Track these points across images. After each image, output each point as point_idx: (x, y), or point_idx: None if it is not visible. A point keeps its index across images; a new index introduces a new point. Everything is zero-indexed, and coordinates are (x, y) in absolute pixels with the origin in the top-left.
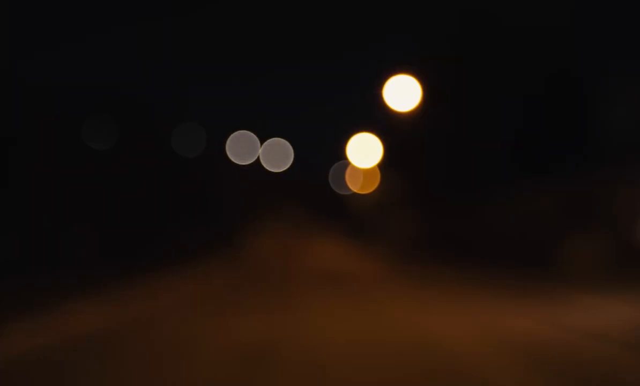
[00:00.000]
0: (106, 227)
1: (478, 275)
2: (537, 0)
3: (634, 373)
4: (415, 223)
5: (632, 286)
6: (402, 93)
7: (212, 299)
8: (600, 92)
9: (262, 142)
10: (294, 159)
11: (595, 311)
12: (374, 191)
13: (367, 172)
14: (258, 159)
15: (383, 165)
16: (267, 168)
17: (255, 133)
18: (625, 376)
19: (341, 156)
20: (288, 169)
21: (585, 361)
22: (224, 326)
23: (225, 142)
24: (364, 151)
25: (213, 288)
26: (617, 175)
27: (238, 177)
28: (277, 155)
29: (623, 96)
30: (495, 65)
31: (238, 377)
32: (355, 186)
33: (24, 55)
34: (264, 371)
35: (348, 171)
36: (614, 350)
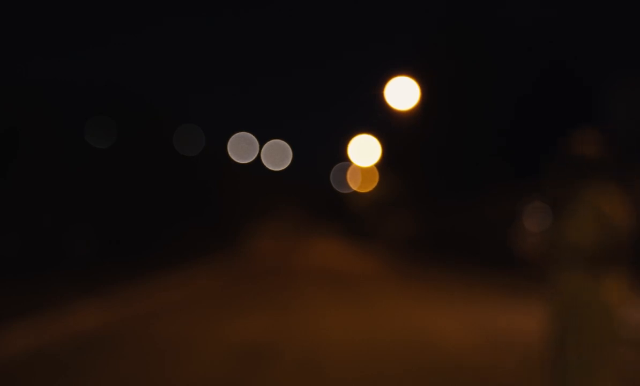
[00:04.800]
0: (108, 226)
1: (478, 275)
2: (538, 0)
3: (632, 368)
4: (414, 221)
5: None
6: (401, 93)
7: (213, 299)
8: (601, 92)
9: (263, 144)
10: (297, 159)
11: None
12: (373, 190)
13: (367, 172)
14: (259, 159)
15: (382, 165)
16: (268, 167)
17: (256, 135)
18: (627, 370)
19: (342, 156)
20: (290, 168)
21: None
22: (225, 326)
23: (226, 142)
24: (364, 151)
25: (214, 288)
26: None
27: (239, 177)
28: (276, 155)
29: (623, 95)
30: (494, 65)
31: (238, 375)
32: (355, 185)
33: (26, 55)
34: (263, 371)
35: (349, 171)
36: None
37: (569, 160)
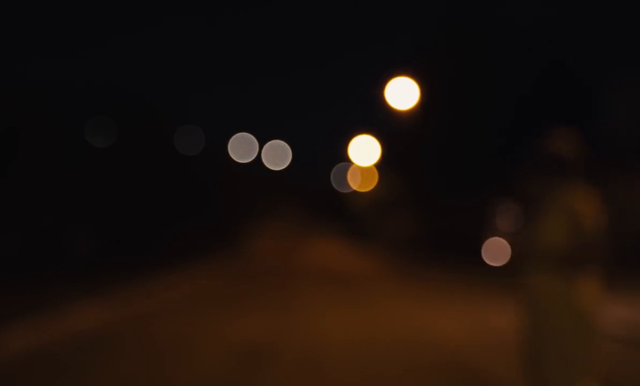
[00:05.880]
0: (108, 226)
1: (478, 275)
2: (538, 0)
3: (634, 367)
4: (414, 221)
5: (631, 287)
6: (401, 93)
7: (213, 299)
8: (601, 92)
9: (263, 144)
10: (296, 159)
11: None
12: (373, 190)
13: (367, 172)
14: (259, 159)
15: (382, 165)
16: (268, 167)
17: (256, 135)
18: (625, 369)
19: (342, 156)
20: (290, 168)
21: None
22: (225, 326)
23: (226, 142)
24: (364, 151)
25: (214, 288)
26: (618, 175)
27: (239, 177)
28: (276, 155)
29: (623, 95)
30: (494, 65)
31: (238, 375)
32: (355, 184)
33: (26, 55)
34: (262, 371)
35: (349, 171)
36: (615, 348)
37: (543, 159)
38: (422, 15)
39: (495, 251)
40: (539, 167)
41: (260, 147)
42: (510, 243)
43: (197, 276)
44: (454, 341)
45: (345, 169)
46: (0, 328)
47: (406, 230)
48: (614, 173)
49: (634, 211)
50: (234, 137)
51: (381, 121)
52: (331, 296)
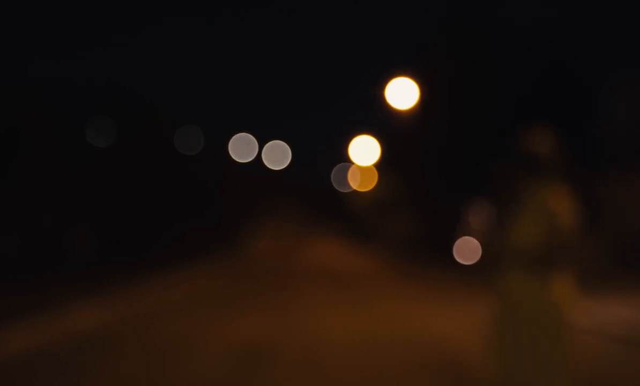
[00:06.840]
0: (108, 226)
1: (478, 275)
2: (538, 0)
3: (634, 367)
4: (414, 221)
5: (631, 287)
6: (401, 93)
7: (213, 299)
8: (601, 92)
9: (263, 144)
10: (296, 159)
11: (593, 311)
12: (373, 190)
13: (367, 172)
14: (259, 158)
15: (382, 165)
16: (268, 166)
17: (256, 135)
18: (626, 369)
19: (342, 157)
20: (290, 168)
21: (586, 357)
22: (225, 326)
23: (226, 142)
24: (365, 151)
25: (214, 288)
26: (618, 175)
27: (239, 177)
28: (276, 156)
29: (623, 95)
30: (494, 65)
31: (238, 375)
32: (355, 184)
33: (26, 55)
34: (262, 371)
35: (350, 171)
36: (615, 348)
37: (519, 158)
38: (422, 15)
39: (467, 250)
40: (515, 166)
41: (260, 147)
42: (482, 242)
43: (197, 276)
44: (454, 341)
45: (346, 169)
46: (0, 328)
47: (406, 230)
48: (614, 173)
49: (634, 211)
50: (234, 137)
51: (381, 121)
52: (331, 296)
